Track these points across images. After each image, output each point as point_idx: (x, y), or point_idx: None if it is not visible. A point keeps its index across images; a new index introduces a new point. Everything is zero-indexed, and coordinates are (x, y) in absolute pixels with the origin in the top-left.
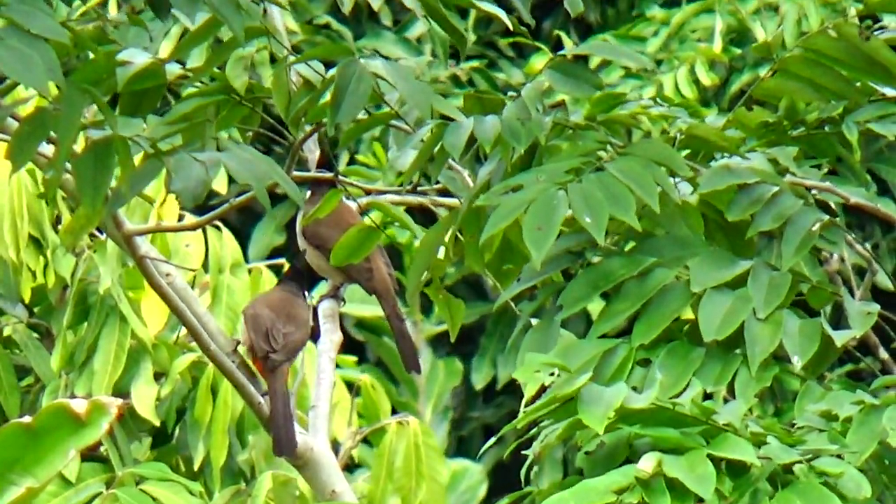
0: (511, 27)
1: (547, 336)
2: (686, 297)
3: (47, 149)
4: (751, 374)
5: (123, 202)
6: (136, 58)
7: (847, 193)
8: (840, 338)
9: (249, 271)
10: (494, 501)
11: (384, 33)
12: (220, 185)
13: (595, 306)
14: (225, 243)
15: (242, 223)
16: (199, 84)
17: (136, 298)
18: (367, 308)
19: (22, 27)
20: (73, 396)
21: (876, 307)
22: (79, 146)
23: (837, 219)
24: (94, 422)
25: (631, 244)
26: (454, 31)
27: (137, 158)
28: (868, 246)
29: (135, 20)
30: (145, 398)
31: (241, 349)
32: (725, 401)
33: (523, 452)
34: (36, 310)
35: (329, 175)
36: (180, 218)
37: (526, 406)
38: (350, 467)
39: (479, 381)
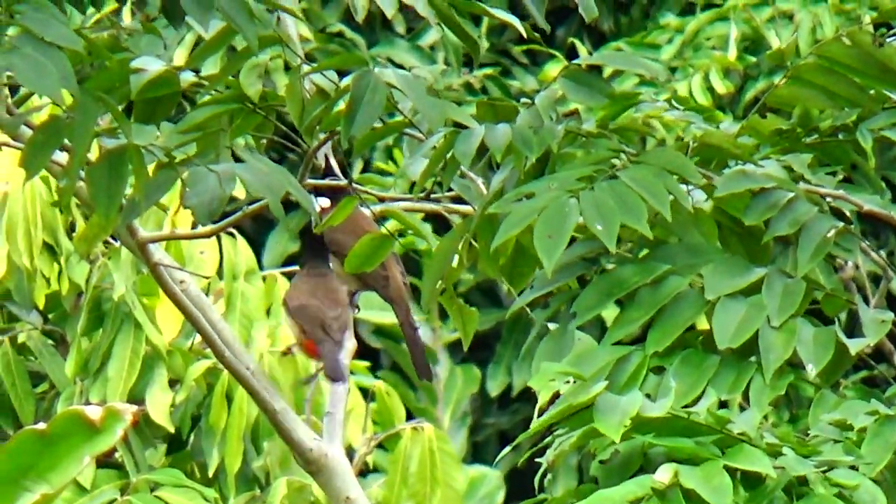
0: (525, 34)
1: (561, 343)
2: (700, 304)
3: (61, 157)
4: (765, 382)
5: (138, 213)
6: (150, 65)
7: (861, 201)
8: (854, 346)
9: (264, 279)
10: None
11: (397, 41)
12: (238, 190)
13: (610, 313)
14: (239, 251)
15: (256, 231)
16: (213, 92)
17: (150, 305)
18: (384, 315)
19: (36, 35)
20: (87, 403)
21: (890, 315)
22: (93, 154)
23: (852, 226)
24: (108, 428)
25: (644, 251)
26: (468, 38)
27: (152, 167)
28: (883, 253)
29: (149, 28)
30: (160, 405)
31: (293, 345)
32: (741, 408)
33: (537, 460)
34: (50, 316)
35: (343, 182)
36: (194, 225)
37: (539, 414)
38: (364, 472)
39: (494, 388)
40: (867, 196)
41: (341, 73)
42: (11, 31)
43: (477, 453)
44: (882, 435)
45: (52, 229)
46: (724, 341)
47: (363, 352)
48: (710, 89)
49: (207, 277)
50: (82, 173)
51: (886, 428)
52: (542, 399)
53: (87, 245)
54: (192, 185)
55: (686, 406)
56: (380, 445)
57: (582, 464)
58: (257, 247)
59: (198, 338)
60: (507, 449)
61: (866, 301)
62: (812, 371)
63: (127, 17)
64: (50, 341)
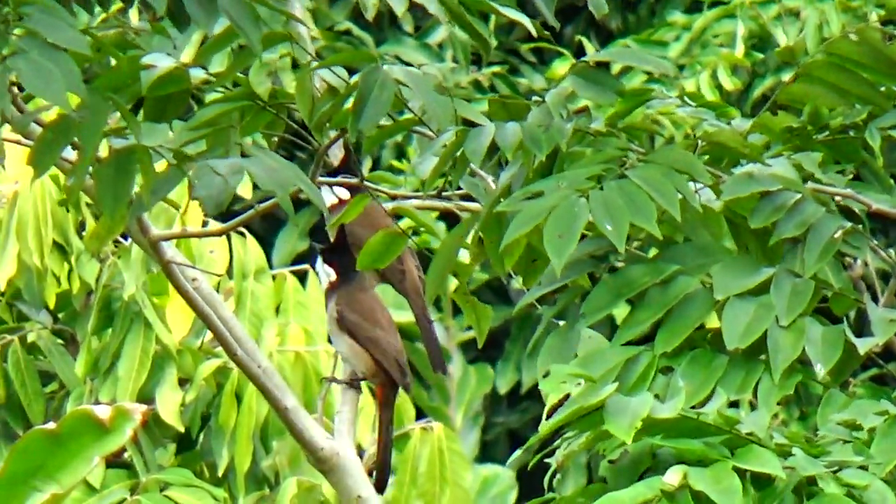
0: (534, 32)
1: (566, 342)
2: (709, 304)
3: (71, 155)
4: (774, 382)
5: (144, 210)
6: (160, 62)
7: (869, 200)
8: (863, 345)
9: (273, 277)
10: None
11: (405, 39)
12: (245, 190)
13: (620, 311)
14: (249, 249)
15: (266, 229)
16: (221, 90)
17: (160, 304)
18: (397, 313)
19: (42, 38)
20: (97, 402)
21: None
22: (103, 152)
23: (861, 225)
24: (118, 428)
25: (654, 251)
26: (478, 36)
27: (161, 165)
28: (892, 251)
29: (157, 27)
30: (170, 404)
31: (354, 374)
32: (752, 407)
33: (546, 461)
34: (60, 316)
35: (354, 180)
36: (204, 224)
37: (548, 416)
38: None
39: (503, 386)
40: (876, 194)
41: (351, 72)
42: (18, 33)
43: (486, 452)
44: (891, 435)
45: (63, 228)
46: (733, 341)
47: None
48: (718, 86)
49: (219, 275)
50: (91, 171)
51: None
52: (551, 401)
53: (97, 243)
54: (200, 179)
55: (695, 406)
56: None
57: (591, 463)
58: (267, 246)
59: (207, 337)
60: (519, 451)
61: (876, 299)
62: (821, 371)
63: (134, 18)
64: (60, 340)
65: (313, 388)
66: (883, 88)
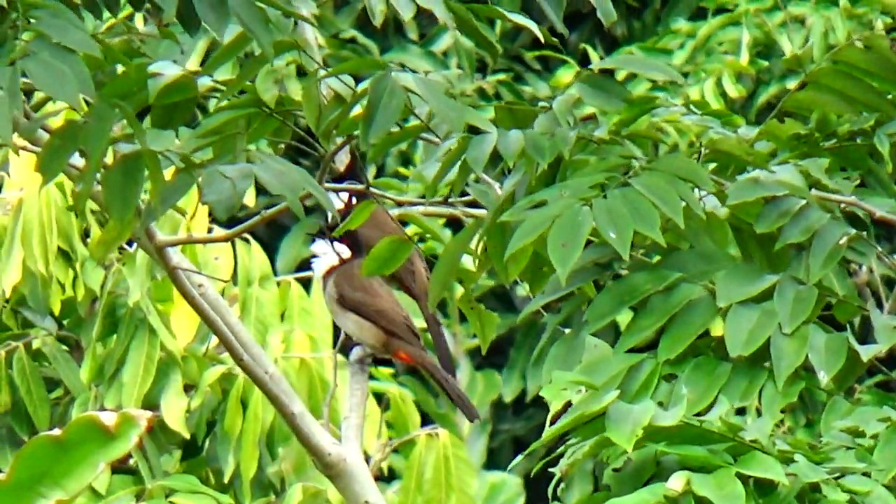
0: (542, 39)
1: (572, 348)
2: (712, 311)
3: (79, 161)
4: (777, 389)
5: (155, 217)
6: (167, 70)
7: (873, 207)
8: (866, 352)
9: (278, 284)
10: None
11: (410, 47)
12: (248, 198)
13: (624, 318)
14: (253, 256)
15: (270, 236)
16: (227, 98)
17: (165, 311)
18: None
19: (52, 40)
20: (102, 409)
21: None
22: (110, 158)
23: (866, 231)
24: (123, 434)
25: (658, 258)
26: (486, 41)
27: (169, 172)
28: None
29: (166, 33)
30: (175, 410)
31: (366, 350)
32: (759, 413)
33: (550, 469)
34: (65, 322)
35: (361, 186)
36: (209, 231)
37: (551, 423)
38: (379, 478)
39: (508, 394)
40: (881, 201)
41: (357, 79)
42: (26, 36)
43: (492, 459)
44: (894, 441)
45: (67, 235)
46: (736, 348)
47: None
48: (723, 94)
49: (225, 281)
50: (99, 177)
51: None
52: (554, 408)
53: (104, 249)
54: (209, 185)
55: (698, 413)
56: (395, 451)
57: (597, 471)
58: (271, 252)
59: (213, 343)
60: (519, 458)
61: (881, 305)
62: (824, 378)
63: (139, 23)
64: (65, 347)
65: (318, 394)
66: (890, 96)
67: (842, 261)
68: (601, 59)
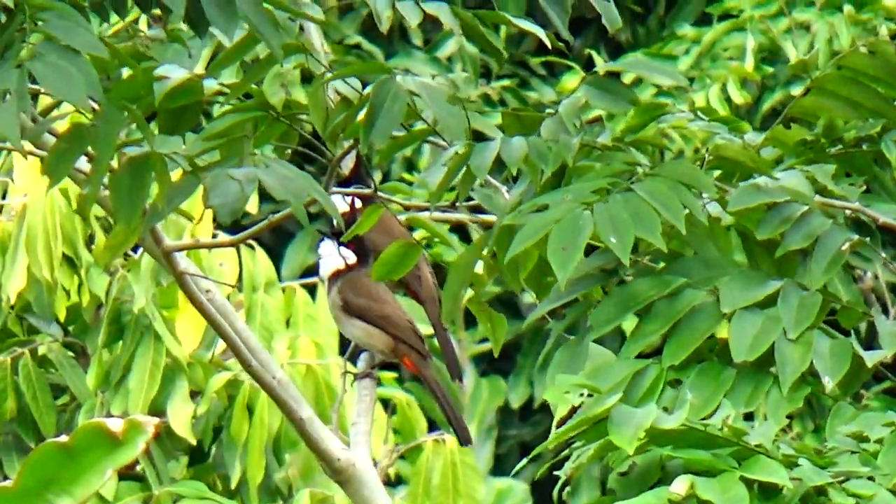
0: (549, 44)
1: (576, 355)
2: (716, 317)
3: (85, 165)
4: (782, 395)
5: (160, 218)
6: (174, 73)
7: (877, 213)
8: (870, 358)
9: (283, 290)
10: None
11: (415, 53)
12: (251, 205)
13: (629, 324)
14: (258, 262)
15: (275, 242)
16: (233, 102)
17: (170, 317)
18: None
19: (60, 42)
20: (109, 415)
21: None
22: (116, 162)
23: (870, 237)
24: (130, 441)
25: (661, 264)
26: (492, 47)
27: (175, 175)
28: None
29: (174, 36)
30: (181, 417)
31: (374, 357)
32: (766, 418)
33: (555, 473)
34: (71, 329)
35: (368, 191)
36: (214, 237)
37: (556, 427)
38: (390, 484)
39: (515, 400)
40: (886, 207)
41: (363, 84)
42: (34, 39)
43: (499, 465)
44: None
45: (72, 241)
46: (741, 354)
47: (383, 364)
48: (728, 100)
49: (233, 286)
50: (106, 180)
51: None
52: (560, 413)
53: (110, 254)
54: (214, 188)
55: (703, 419)
56: (402, 457)
57: (603, 475)
58: (276, 258)
59: (218, 349)
60: (524, 461)
61: (886, 311)
62: (829, 383)
63: (143, 27)
64: (70, 353)
65: (325, 400)
66: None
67: (847, 267)
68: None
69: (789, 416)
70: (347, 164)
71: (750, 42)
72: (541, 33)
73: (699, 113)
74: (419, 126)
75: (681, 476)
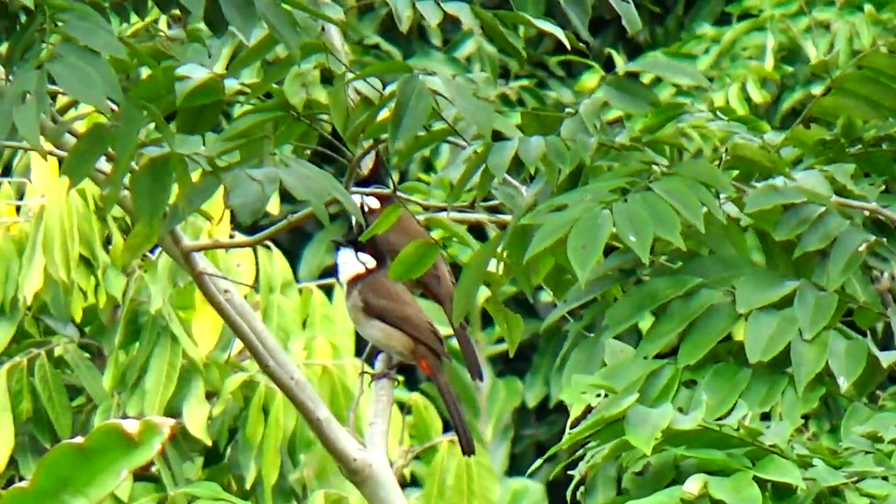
0: (568, 45)
1: (592, 354)
2: (732, 317)
3: (105, 165)
4: (797, 395)
5: (181, 219)
6: (195, 73)
7: (895, 214)
8: (886, 358)
9: (300, 291)
10: None
11: (433, 53)
12: (271, 205)
13: (646, 323)
14: (275, 263)
15: (292, 243)
16: (253, 101)
17: (186, 318)
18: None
19: (79, 43)
20: (124, 416)
21: None
22: (137, 163)
23: (888, 238)
24: (146, 442)
25: (678, 264)
26: (512, 47)
27: (195, 175)
28: None
29: (194, 36)
30: (197, 418)
31: (393, 358)
32: (781, 418)
33: (569, 473)
34: (87, 330)
35: (388, 191)
36: (231, 237)
37: (571, 427)
38: (405, 484)
39: (531, 400)
40: None
41: (383, 84)
42: (53, 40)
43: (514, 465)
44: None
45: (89, 242)
46: (756, 354)
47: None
48: (747, 99)
49: (251, 286)
50: (126, 181)
51: None
52: (575, 412)
53: (130, 254)
54: (235, 188)
55: (718, 419)
56: (417, 457)
57: (620, 474)
58: (293, 259)
59: (234, 350)
60: (539, 461)
61: None
62: (844, 384)
63: (163, 27)
64: (87, 354)
65: (340, 401)
66: None
67: (864, 267)
68: (625, 64)
69: (805, 417)
70: (367, 164)
71: (770, 41)
72: (560, 34)
73: (718, 113)
74: (438, 126)
75: (694, 475)
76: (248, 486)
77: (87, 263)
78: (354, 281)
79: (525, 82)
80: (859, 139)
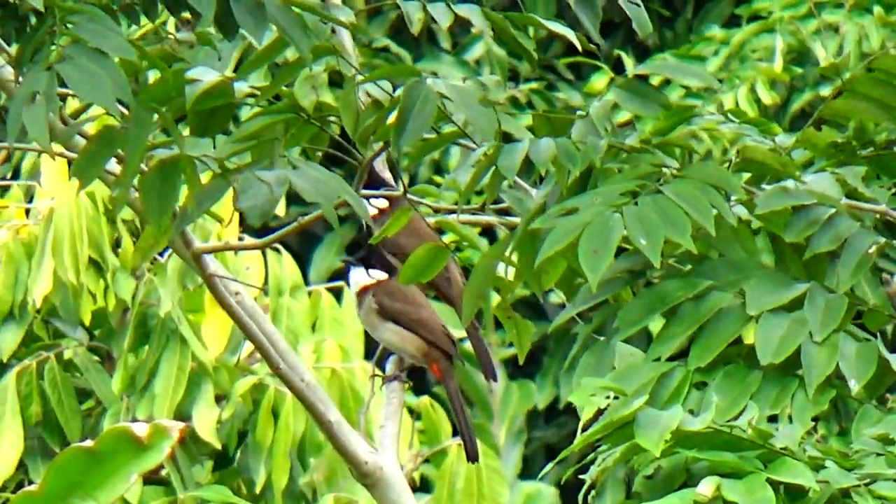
0: (579, 47)
1: (602, 357)
2: (742, 319)
3: (115, 167)
4: (808, 398)
5: (190, 221)
6: (205, 75)
7: None
8: None
9: (309, 294)
10: None
11: (443, 56)
12: (279, 208)
13: (656, 325)
14: (284, 266)
15: (302, 246)
16: (263, 104)
17: (196, 321)
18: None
19: (89, 45)
20: (134, 420)
21: None
22: (146, 165)
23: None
24: (155, 445)
25: (688, 267)
26: (523, 49)
27: (205, 177)
28: None
29: (204, 38)
30: (206, 421)
31: (404, 361)
32: (792, 421)
33: (580, 477)
34: (96, 333)
35: (398, 193)
36: (240, 240)
37: (582, 430)
38: (415, 488)
39: (541, 402)
40: None
41: (393, 87)
42: (63, 41)
43: (524, 467)
44: None
45: (98, 245)
46: (767, 357)
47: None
48: (757, 101)
49: (262, 288)
50: (136, 183)
51: None
52: (586, 415)
53: (140, 257)
54: (245, 190)
55: (729, 421)
56: (426, 461)
57: (630, 478)
58: (303, 262)
59: (244, 353)
60: (551, 465)
61: None
62: (854, 386)
63: (172, 30)
64: (96, 357)
65: (350, 404)
66: None
67: (874, 269)
68: (634, 66)
69: (815, 419)
70: (378, 167)
71: (779, 43)
72: (571, 36)
73: (729, 115)
74: (448, 128)
75: (707, 477)
76: (257, 489)
77: (97, 266)
78: (366, 290)
79: (534, 85)
80: (871, 142)
